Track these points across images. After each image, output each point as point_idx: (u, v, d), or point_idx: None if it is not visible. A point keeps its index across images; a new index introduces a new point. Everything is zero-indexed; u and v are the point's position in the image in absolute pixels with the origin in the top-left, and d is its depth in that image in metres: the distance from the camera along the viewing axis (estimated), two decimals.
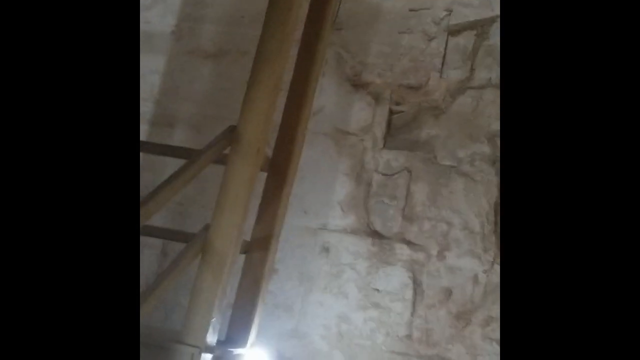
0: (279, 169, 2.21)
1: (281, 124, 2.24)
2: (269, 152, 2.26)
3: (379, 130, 2.47)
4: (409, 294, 2.31)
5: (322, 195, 2.48)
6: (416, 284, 2.31)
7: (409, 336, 2.28)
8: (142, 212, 1.53)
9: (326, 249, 2.43)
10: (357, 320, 2.34)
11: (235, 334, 2.12)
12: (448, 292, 2.27)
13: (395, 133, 2.48)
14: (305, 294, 2.41)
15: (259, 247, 2.16)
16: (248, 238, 2.17)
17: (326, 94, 2.53)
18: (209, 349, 1.85)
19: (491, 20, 2.42)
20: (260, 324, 2.39)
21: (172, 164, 2.12)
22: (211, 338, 1.85)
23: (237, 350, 2.08)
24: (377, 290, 2.34)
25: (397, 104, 2.48)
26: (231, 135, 1.94)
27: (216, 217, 1.88)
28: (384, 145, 2.46)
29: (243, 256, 2.18)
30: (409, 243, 2.35)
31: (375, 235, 2.40)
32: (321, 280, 2.41)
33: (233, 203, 1.88)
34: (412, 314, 2.29)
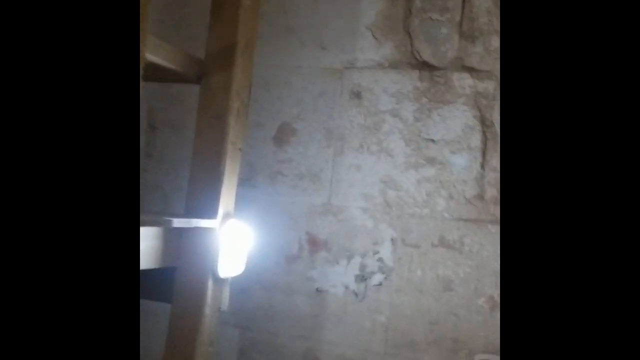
0: None
1: None
2: None
3: None
4: (476, 140, 1.69)
5: (344, 20, 1.81)
6: (485, 126, 1.68)
7: (479, 196, 1.68)
8: None
9: (357, 94, 1.80)
10: (407, 184, 1.75)
11: (197, 201, 1.43)
12: None
13: None
14: (336, 157, 1.82)
15: (217, 67, 1.43)
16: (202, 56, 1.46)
17: None
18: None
19: None
20: (282, 201, 1.84)
21: None
22: None
23: (202, 222, 1.38)
24: (432, 140, 1.73)
25: None
26: None
27: None
28: None
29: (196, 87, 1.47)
30: (471, 70, 1.69)
31: (424, 66, 1.74)
32: (355, 137, 1.80)
33: None
34: (483, 166, 1.68)
